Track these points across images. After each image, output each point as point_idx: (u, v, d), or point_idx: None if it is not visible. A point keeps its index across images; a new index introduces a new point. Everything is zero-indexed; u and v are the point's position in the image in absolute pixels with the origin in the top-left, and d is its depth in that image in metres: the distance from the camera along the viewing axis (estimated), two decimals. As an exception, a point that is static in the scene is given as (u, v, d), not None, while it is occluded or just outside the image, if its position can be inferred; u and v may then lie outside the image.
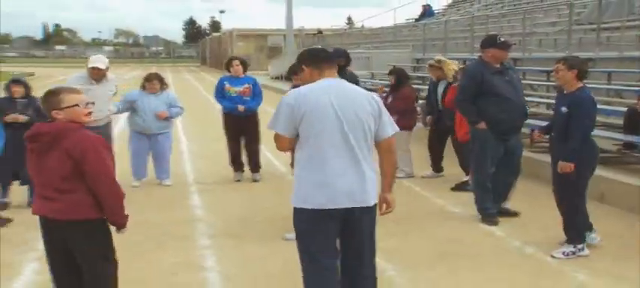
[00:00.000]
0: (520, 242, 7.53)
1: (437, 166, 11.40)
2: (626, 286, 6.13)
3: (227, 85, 11.29)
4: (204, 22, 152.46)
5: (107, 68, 9.78)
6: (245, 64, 11.63)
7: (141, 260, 7.00)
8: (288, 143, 4.68)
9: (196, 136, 16.55)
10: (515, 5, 27.90)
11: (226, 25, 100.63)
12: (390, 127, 4.79)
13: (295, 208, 4.74)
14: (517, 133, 8.48)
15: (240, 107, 11.04)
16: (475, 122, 8.38)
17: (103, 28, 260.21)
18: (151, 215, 8.84)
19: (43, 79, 42.94)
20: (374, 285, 4.95)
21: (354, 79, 8.75)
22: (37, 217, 4.77)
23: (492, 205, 8.40)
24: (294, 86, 10.01)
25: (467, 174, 10.29)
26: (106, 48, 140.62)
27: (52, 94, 4.79)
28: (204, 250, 7.42)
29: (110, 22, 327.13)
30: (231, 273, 6.66)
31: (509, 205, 8.58)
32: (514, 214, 8.52)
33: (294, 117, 4.53)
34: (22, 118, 8.69)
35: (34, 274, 6.66)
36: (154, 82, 10.71)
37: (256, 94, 11.38)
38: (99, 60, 9.75)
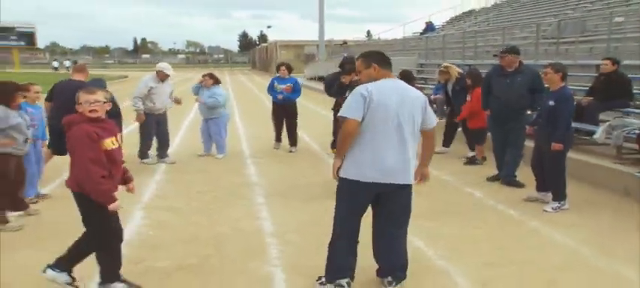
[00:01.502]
0: (494, 201, 7.75)
1: (447, 143, 11.63)
2: (579, 236, 6.21)
3: (276, 84, 12.06)
4: (254, 35, 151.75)
5: (169, 74, 10.36)
6: (290, 69, 12.33)
7: (216, 211, 7.33)
8: (356, 126, 4.45)
9: (250, 123, 16.67)
10: (497, 23, 28.03)
11: (272, 37, 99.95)
12: (433, 119, 4.77)
13: (346, 179, 4.62)
14: (510, 120, 8.51)
15: (279, 96, 11.99)
16: (485, 110, 9.04)
17: (177, 40, 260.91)
18: (222, 180, 9.15)
19: (133, 80, 43.38)
20: (405, 243, 4.90)
21: None
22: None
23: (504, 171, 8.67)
24: (331, 81, 10.43)
25: (472, 150, 10.69)
26: (179, 56, 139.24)
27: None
28: (259, 206, 7.59)
29: (182, 36, 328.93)
30: (280, 221, 6.84)
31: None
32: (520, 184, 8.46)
33: (366, 105, 4.44)
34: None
35: (141, 219, 7.03)
36: (206, 79, 11.17)
37: (296, 90, 12.12)
38: (165, 66, 10.41)
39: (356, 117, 4.43)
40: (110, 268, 4.79)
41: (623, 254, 5.67)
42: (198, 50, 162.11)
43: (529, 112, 8.48)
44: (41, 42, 70.41)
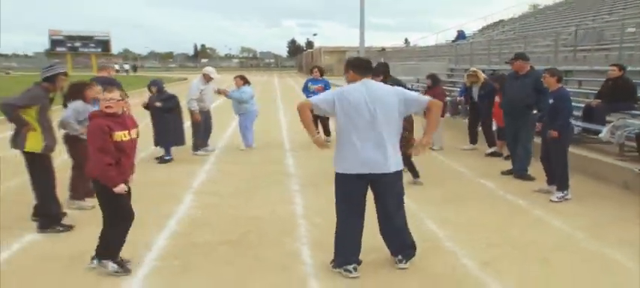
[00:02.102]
0: (503, 191, 7.84)
1: (473, 140, 11.63)
2: (577, 223, 6.28)
3: (309, 84, 12.49)
4: (302, 41, 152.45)
5: (213, 77, 10.94)
6: (322, 71, 12.82)
7: (255, 196, 7.63)
8: (309, 114, 4.71)
9: (292, 119, 16.61)
10: (522, 32, 27.73)
11: (317, 43, 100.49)
12: (421, 101, 4.78)
13: (338, 173, 4.81)
14: (519, 117, 8.62)
15: (312, 95, 12.06)
16: (501, 108, 9.28)
17: (232, 46, 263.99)
18: (263, 170, 9.42)
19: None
20: (405, 223, 4.97)
21: (397, 82, 8.73)
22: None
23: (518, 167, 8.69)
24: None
25: (490, 146, 10.83)
26: (234, 60, 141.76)
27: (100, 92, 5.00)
28: (294, 193, 7.83)
29: (237, 42, 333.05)
30: (310, 206, 7.06)
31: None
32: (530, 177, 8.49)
33: (334, 105, 4.65)
34: (158, 104, 9.90)
35: (191, 202, 7.34)
36: (237, 80, 11.46)
37: (327, 89, 12.23)
38: (210, 70, 11.06)
39: (316, 103, 4.71)
40: (109, 247, 4.90)
41: (614, 239, 5.75)
42: (250, 55, 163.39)
43: (535, 111, 8.48)
44: (115, 48, 72.20)
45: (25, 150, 5.93)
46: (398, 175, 4.80)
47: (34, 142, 5.92)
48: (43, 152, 5.98)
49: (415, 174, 8.40)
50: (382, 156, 4.65)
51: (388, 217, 4.92)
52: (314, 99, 4.79)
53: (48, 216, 6.02)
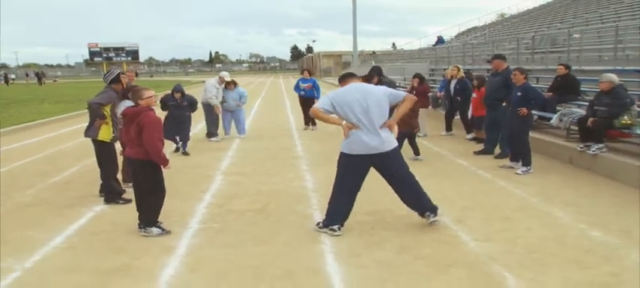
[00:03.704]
0: (475, 168, 8.15)
1: (448, 128, 11.93)
2: (531, 191, 6.62)
3: (300, 83, 13.05)
4: (302, 47, 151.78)
5: (228, 79, 11.38)
6: (310, 72, 13.57)
7: (273, 175, 7.94)
8: (318, 111, 5.00)
9: (298, 114, 16.59)
10: (491, 38, 28.02)
11: (316, 49, 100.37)
12: (399, 95, 5.12)
13: (343, 153, 5.08)
14: (493, 109, 8.90)
15: (302, 92, 12.95)
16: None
17: (242, 52, 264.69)
18: (278, 154, 9.73)
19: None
20: (418, 186, 5.19)
21: (390, 81, 9.12)
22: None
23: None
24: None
25: (468, 133, 11.11)
26: (244, 65, 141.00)
27: (137, 91, 5.23)
28: (304, 172, 8.14)
29: (247, 49, 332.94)
30: (319, 181, 7.36)
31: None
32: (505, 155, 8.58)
33: (333, 105, 4.97)
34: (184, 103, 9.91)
35: (220, 180, 7.63)
36: (230, 85, 11.60)
37: (315, 88, 13.06)
38: (225, 74, 11.53)
39: (319, 107, 5.01)
40: (152, 216, 5.19)
41: (559, 201, 6.18)
42: (258, 60, 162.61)
43: (504, 104, 8.59)
44: (141, 57, 72.32)
45: (98, 139, 6.34)
46: (395, 150, 5.07)
47: (106, 132, 6.35)
48: (111, 141, 6.41)
49: (416, 151, 8.71)
50: (378, 139, 4.93)
51: (402, 182, 5.14)
52: (317, 105, 5.09)
53: (112, 192, 6.42)
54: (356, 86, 5.09)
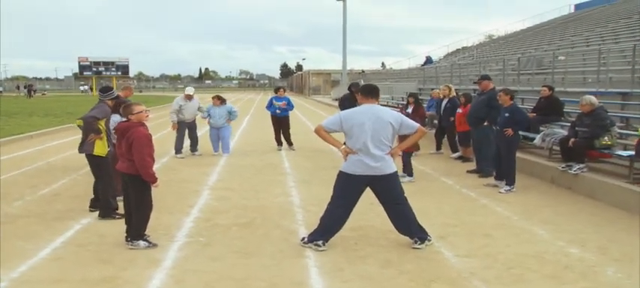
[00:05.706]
0: (459, 186, 8.30)
1: (438, 147, 12.09)
2: (513, 209, 6.75)
3: (274, 101, 12.67)
4: (292, 65, 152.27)
5: (193, 95, 11.55)
6: (284, 89, 13.28)
7: (259, 190, 7.99)
8: (322, 130, 5.07)
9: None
10: (478, 58, 28.51)
11: (306, 67, 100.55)
12: (411, 126, 5.12)
13: (342, 172, 5.13)
14: (474, 126, 9.07)
15: (278, 111, 12.50)
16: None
17: (232, 69, 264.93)
18: (264, 170, 9.80)
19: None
20: (410, 212, 5.20)
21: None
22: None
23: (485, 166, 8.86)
24: (342, 99, 10.85)
25: (453, 152, 11.26)
26: (234, 82, 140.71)
27: (128, 107, 5.27)
28: (291, 188, 8.23)
29: (236, 66, 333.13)
30: (304, 197, 7.48)
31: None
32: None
33: (342, 125, 5.02)
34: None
35: (208, 195, 7.72)
36: (216, 101, 11.78)
37: (290, 106, 12.79)
38: (189, 90, 11.72)
39: (326, 126, 5.07)
40: (139, 230, 5.24)
41: (538, 219, 6.33)
42: (248, 77, 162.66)
43: (486, 123, 8.83)
44: (131, 72, 72.22)
45: (94, 154, 6.37)
46: (394, 175, 5.12)
47: (101, 147, 6.38)
48: (107, 156, 6.43)
49: (409, 172, 8.70)
50: (381, 162, 5.01)
51: (396, 209, 5.18)
52: (324, 123, 5.12)
53: (108, 207, 6.38)
54: (368, 108, 5.10)
